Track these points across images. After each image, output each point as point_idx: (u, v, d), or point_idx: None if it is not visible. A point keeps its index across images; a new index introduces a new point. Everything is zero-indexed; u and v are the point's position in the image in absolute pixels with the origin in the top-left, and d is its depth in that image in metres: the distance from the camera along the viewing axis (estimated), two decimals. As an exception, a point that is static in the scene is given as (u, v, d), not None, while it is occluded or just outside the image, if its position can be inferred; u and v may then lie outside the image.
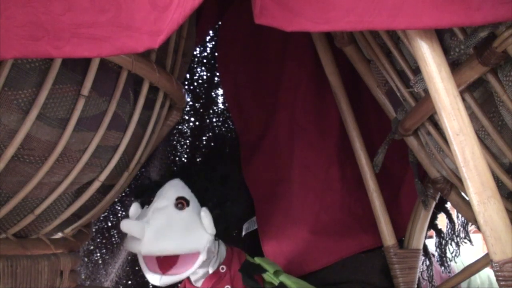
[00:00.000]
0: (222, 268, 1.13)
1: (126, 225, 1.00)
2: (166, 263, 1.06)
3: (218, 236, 1.10)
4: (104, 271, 1.55)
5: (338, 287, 1.34)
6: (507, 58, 0.75)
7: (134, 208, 1.10)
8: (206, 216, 1.06)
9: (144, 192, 1.14)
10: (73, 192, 0.96)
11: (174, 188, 1.10)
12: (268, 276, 1.14)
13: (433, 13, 0.67)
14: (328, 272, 1.36)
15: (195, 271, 1.09)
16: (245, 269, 1.14)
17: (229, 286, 1.11)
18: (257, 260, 1.17)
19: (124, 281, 1.56)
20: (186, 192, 1.10)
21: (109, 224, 1.56)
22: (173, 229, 1.03)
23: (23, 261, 0.88)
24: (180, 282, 1.15)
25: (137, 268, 1.56)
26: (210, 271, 1.12)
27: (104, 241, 1.55)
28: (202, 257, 1.05)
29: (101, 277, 1.55)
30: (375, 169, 1.23)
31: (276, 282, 1.14)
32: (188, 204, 1.07)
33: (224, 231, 1.11)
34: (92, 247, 1.55)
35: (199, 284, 1.13)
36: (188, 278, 1.16)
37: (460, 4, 0.66)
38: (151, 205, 1.06)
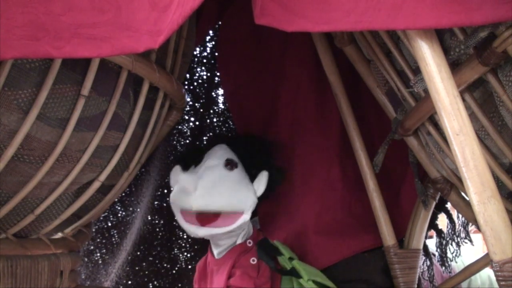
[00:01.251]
0: (249, 243, 1.15)
1: (183, 179, 1.05)
2: (205, 219, 1.08)
3: (260, 200, 1.14)
4: (104, 271, 1.55)
5: (340, 287, 1.34)
6: (507, 58, 0.75)
7: (177, 169, 1.13)
8: (264, 176, 1.12)
9: (187, 155, 1.20)
10: (73, 192, 0.96)
11: (223, 150, 1.15)
12: (283, 260, 1.16)
13: (433, 13, 0.67)
14: (329, 272, 1.35)
15: (222, 241, 1.12)
16: (262, 245, 1.16)
17: (255, 258, 1.13)
18: (276, 243, 1.20)
19: (124, 281, 1.56)
20: (234, 157, 1.15)
21: (109, 224, 1.56)
22: (223, 186, 1.08)
23: (23, 261, 0.88)
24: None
25: (137, 268, 1.56)
26: (239, 242, 1.14)
27: (104, 241, 1.55)
28: (245, 217, 1.09)
29: (101, 277, 1.55)
30: (375, 169, 1.23)
31: (289, 266, 1.15)
32: (236, 166, 1.12)
33: (262, 200, 1.16)
34: (92, 247, 1.55)
35: (221, 256, 1.15)
36: (211, 252, 1.18)
37: (460, 4, 0.66)
38: (202, 163, 1.11)
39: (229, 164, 1.12)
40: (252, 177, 1.13)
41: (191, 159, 1.17)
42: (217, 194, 1.06)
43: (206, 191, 1.05)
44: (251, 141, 1.22)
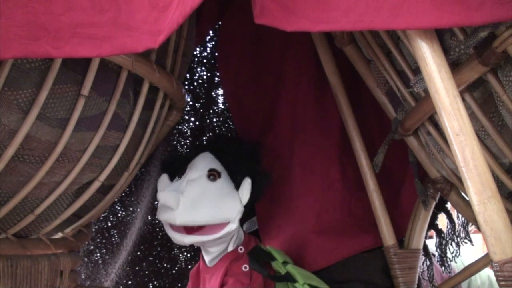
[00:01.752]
0: (241, 249, 1.14)
1: (163, 196, 1.04)
2: (192, 229, 1.08)
3: (246, 208, 1.12)
4: (104, 271, 1.55)
5: (340, 287, 1.34)
6: (507, 58, 0.75)
7: (164, 179, 1.13)
8: (247, 184, 1.11)
9: (172, 165, 1.17)
10: (73, 192, 0.96)
11: (206, 160, 1.13)
12: (276, 265, 1.16)
13: (433, 13, 0.67)
14: (329, 272, 1.36)
15: (213, 249, 1.12)
16: (254, 253, 1.15)
17: (246, 265, 1.12)
18: (269, 248, 1.19)
19: (124, 281, 1.56)
20: (217, 165, 1.13)
21: (109, 224, 1.56)
22: (207, 199, 1.06)
23: (23, 261, 0.88)
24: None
25: (137, 268, 1.56)
26: (230, 249, 1.13)
27: (104, 241, 1.55)
28: (231, 226, 1.08)
29: (101, 277, 1.55)
30: (375, 169, 1.23)
31: (283, 271, 1.15)
32: (220, 176, 1.10)
33: (252, 204, 1.15)
34: (92, 247, 1.55)
35: (213, 264, 1.14)
36: (203, 259, 1.17)
37: (460, 4, 0.66)
38: (184, 176, 1.09)
39: (212, 175, 1.10)
40: (237, 184, 1.12)
41: (176, 168, 1.16)
42: (201, 208, 1.05)
43: (190, 206, 1.04)
44: (234, 146, 1.19)
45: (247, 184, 1.11)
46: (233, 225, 1.08)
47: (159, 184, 1.14)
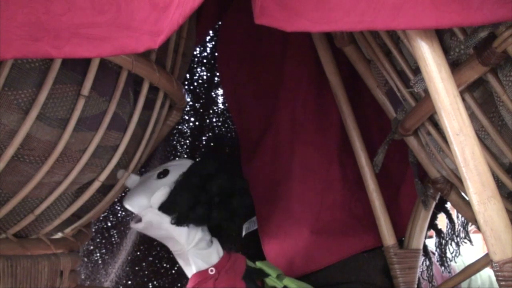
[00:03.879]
0: (211, 270, 1.11)
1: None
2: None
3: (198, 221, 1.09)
4: (104, 271, 1.55)
5: (340, 287, 1.34)
6: (507, 58, 0.75)
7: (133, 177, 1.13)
8: (162, 191, 1.09)
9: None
10: (73, 192, 0.96)
11: (181, 166, 1.13)
12: (271, 280, 1.14)
13: (433, 13, 0.67)
14: (329, 272, 1.36)
15: (180, 260, 1.13)
16: (248, 276, 1.13)
17: None
18: (258, 264, 1.17)
19: (124, 281, 1.56)
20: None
21: (109, 224, 1.55)
22: (139, 188, 1.09)
23: (23, 261, 0.88)
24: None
25: (137, 268, 1.56)
26: (194, 270, 1.10)
27: (104, 241, 1.55)
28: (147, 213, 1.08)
29: (101, 277, 1.55)
30: (375, 169, 1.23)
31: (280, 285, 1.13)
32: (165, 175, 1.11)
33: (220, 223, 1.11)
34: (92, 247, 1.55)
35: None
36: None
37: (460, 4, 0.66)
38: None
39: (162, 174, 1.11)
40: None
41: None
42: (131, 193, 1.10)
43: (130, 192, 1.10)
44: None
45: (160, 191, 1.09)
46: (150, 214, 1.08)
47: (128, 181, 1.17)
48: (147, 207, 1.08)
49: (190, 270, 1.11)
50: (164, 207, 1.07)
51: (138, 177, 1.10)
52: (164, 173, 1.11)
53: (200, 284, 1.09)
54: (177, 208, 1.07)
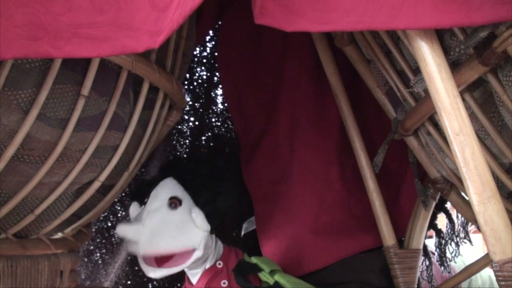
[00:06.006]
0: (219, 264, 1.14)
1: (121, 230, 1.05)
2: (162, 258, 1.08)
3: (213, 230, 1.12)
4: (104, 271, 1.55)
5: (337, 287, 1.34)
6: (507, 58, 0.75)
7: (134, 207, 1.13)
8: (197, 215, 1.09)
9: (138, 193, 1.17)
10: (73, 192, 0.96)
11: (167, 188, 1.12)
12: (264, 276, 1.15)
13: (433, 13, 0.67)
14: (328, 272, 1.36)
15: (193, 271, 1.13)
16: (239, 269, 1.14)
17: (226, 281, 1.12)
18: (254, 259, 1.18)
19: (124, 281, 1.56)
20: (179, 191, 1.11)
21: (109, 224, 1.55)
22: (167, 228, 1.06)
23: (23, 261, 0.88)
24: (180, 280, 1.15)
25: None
26: (207, 266, 1.13)
27: (104, 241, 1.55)
28: (198, 253, 1.07)
29: (101, 277, 1.55)
30: (375, 169, 1.23)
31: (271, 281, 1.14)
32: (181, 203, 1.09)
33: (219, 225, 1.14)
34: (92, 247, 1.55)
35: (195, 281, 1.14)
36: (188, 279, 1.17)
37: (460, 4, 0.66)
38: (145, 207, 1.09)
39: (173, 203, 1.09)
40: (202, 206, 1.10)
41: (143, 194, 1.15)
42: (162, 238, 1.05)
43: (151, 236, 1.04)
44: (195, 169, 1.16)
45: (195, 215, 1.09)
46: (199, 252, 1.07)
47: (130, 213, 1.14)
48: (204, 236, 1.08)
49: (201, 269, 1.13)
50: (215, 224, 1.10)
51: (132, 226, 1.06)
52: (174, 203, 1.09)
53: (212, 279, 1.12)
54: (224, 220, 1.12)
